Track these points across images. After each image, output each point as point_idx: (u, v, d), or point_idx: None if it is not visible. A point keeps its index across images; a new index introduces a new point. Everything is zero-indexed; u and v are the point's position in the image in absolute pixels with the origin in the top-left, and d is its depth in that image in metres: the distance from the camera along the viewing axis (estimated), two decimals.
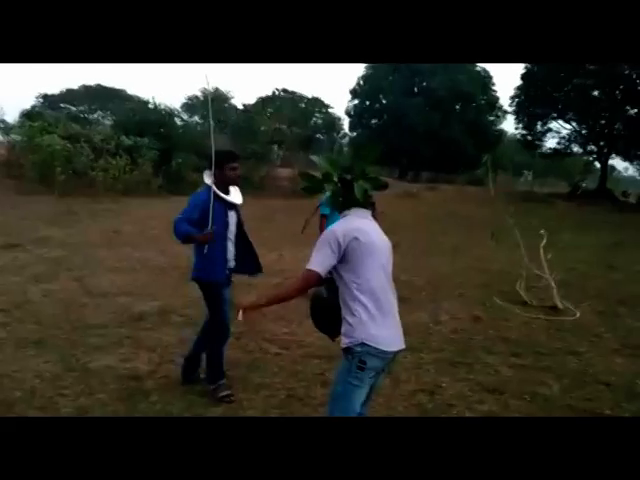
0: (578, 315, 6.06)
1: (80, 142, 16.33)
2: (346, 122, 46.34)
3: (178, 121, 23.62)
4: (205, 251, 3.59)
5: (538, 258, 6.95)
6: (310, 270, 2.39)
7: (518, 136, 36.22)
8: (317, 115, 50.01)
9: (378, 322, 2.41)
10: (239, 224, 3.89)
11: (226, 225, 3.72)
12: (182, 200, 5.23)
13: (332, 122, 49.65)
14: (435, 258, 9.43)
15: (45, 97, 48.90)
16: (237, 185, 3.86)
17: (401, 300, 6.24)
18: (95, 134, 17.43)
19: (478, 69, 38.93)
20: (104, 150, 16.60)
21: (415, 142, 35.29)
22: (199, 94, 52.05)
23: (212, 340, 3.84)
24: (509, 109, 35.88)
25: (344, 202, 2.56)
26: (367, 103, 40.72)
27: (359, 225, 2.47)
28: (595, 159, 35.69)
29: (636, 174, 42.62)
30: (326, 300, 2.61)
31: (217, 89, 52.40)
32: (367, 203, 2.58)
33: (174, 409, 3.51)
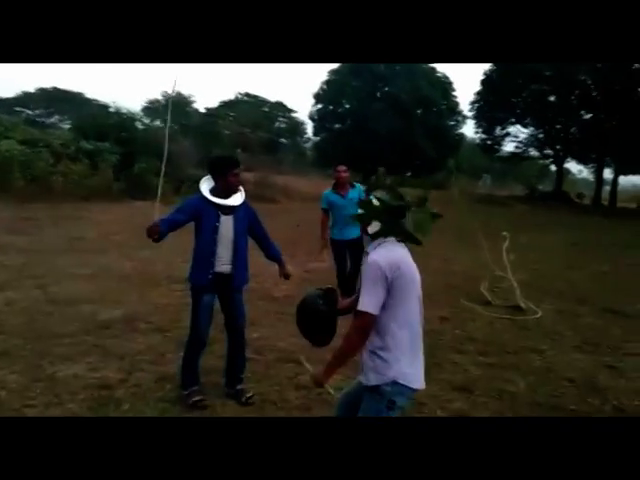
0: (540, 314, 6.28)
1: (39, 147, 15.87)
2: (310, 126, 46.55)
3: (139, 125, 23.17)
4: (193, 254, 3.70)
5: (500, 259, 7.16)
6: (365, 314, 2.24)
7: (477, 140, 37.23)
8: (280, 119, 50.04)
9: (411, 359, 2.33)
10: (239, 228, 3.79)
11: (215, 230, 3.67)
12: (143, 205, 5.19)
13: (295, 126, 49.76)
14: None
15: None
16: (236, 192, 3.80)
17: None
18: (54, 138, 16.97)
19: (439, 74, 39.79)
20: (64, 155, 16.18)
21: (378, 146, 35.73)
22: (160, 98, 51.41)
23: (186, 345, 3.84)
24: (469, 114, 36.85)
25: (389, 230, 2.36)
26: (330, 107, 41.01)
27: (401, 256, 2.33)
28: (551, 162, 36.98)
29: (590, 177, 44.25)
30: (323, 312, 2.60)
31: (179, 93, 51.90)
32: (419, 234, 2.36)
33: None
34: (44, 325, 5.15)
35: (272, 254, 4.18)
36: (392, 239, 2.35)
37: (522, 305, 6.57)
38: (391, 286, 2.24)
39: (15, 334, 4.87)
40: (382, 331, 2.29)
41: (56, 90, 50.35)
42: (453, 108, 40.16)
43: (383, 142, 35.85)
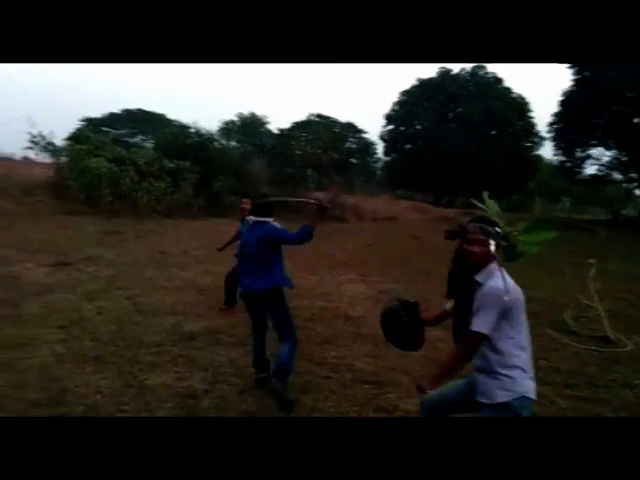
0: (631, 347, 5.91)
1: (125, 165, 16.87)
2: (380, 147, 46.61)
3: (217, 145, 24.15)
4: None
5: (584, 287, 6.83)
6: (478, 333, 2.38)
7: (556, 162, 35.78)
8: (351, 140, 50.36)
9: (530, 374, 2.47)
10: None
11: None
12: (221, 222, 5.51)
13: (366, 147, 49.92)
14: None
15: (89, 120, 50.72)
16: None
17: (447, 326, 6.21)
18: (139, 157, 17.97)
19: (514, 95, 38.84)
20: (148, 173, 17.11)
21: (450, 167, 35.23)
22: (235, 119, 53.30)
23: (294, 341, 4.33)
24: (547, 135, 35.58)
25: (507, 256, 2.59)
26: (402, 128, 40.97)
27: (514, 283, 2.46)
28: (636, 186, 34.92)
29: None
30: (405, 323, 2.87)
31: (253, 114, 53.63)
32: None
33: None
34: (133, 334, 5.44)
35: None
36: (497, 266, 2.47)
37: (611, 336, 6.21)
38: (510, 311, 2.39)
39: (107, 341, 5.17)
40: (506, 352, 2.43)
41: (141, 111, 53.38)
42: (530, 129, 38.99)
43: (455, 163, 35.33)
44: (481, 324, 2.37)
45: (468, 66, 40.43)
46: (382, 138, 43.30)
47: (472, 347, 2.47)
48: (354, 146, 49.98)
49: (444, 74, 40.51)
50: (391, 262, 11.71)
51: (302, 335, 5.73)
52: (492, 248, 2.46)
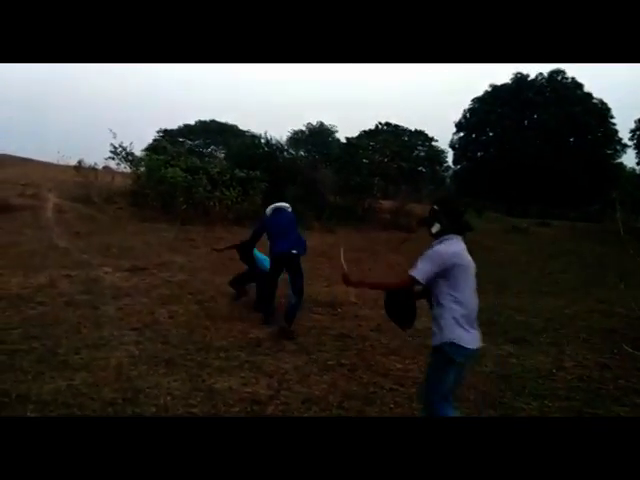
0: None
1: (199, 174, 17.48)
2: (450, 155, 45.74)
3: (286, 154, 24.57)
4: None
5: None
6: (410, 275, 3.04)
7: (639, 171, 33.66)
8: (420, 148, 49.78)
9: (466, 327, 3.02)
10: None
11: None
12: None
13: (435, 155, 49.16)
14: (553, 298, 8.90)
15: (165, 132, 53.19)
16: None
17: (519, 342, 5.98)
18: (212, 167, 18.57)
19: (595, 100, 36.96)
20: (220, 182, 17.64)
21: (525, 176, 33.95)
22: (304, 129, 54.13)
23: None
24: (629, 142, 33.57)
25: (447, 227, 3.16)
26: (473, 136, 40.01)
27: (458, 249, 3.09)
28: None
29: None
30: (400, 303, 3.32)
31: (322, 123, 54.23)
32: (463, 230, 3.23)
33: None
34: (203, 338, 5.60)
35: None
36: (454, 237, 3.14)
37: None
38: (447, 271, 3.00)
39: (178, 345, 5.35)
40: (441, 304, 3.06)
41: (214, 122, 55.39)
42: (611, 136, 36.95)
43: (530, 171, 34.03)
44: (415, 270, 3.03)
45: (545, 71, 38.98)
46: (452, 146, 42.49)
47: (401, 284, 3.23)
48: (423, 154, 49.41)
49: (519, 80, 39.23)
50: None
51: (367, 345, 5.70)
52: (436, 225, 3.17)
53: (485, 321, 6.93)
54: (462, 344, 2.97)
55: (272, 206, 6.55)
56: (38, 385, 4.15)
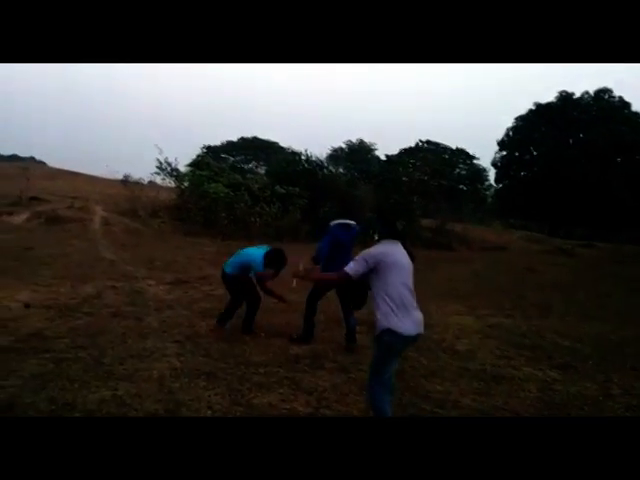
0: None
1: (240, 190, 17.82)
2: (492, 173, 45.09)
3: (325, 171, 24.77)
4: None
5: None
6: (346, 272, 3.54)
7: None
8: (461, 166, 49.30)
9: (400, 316, 3.44)
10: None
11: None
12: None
13: (476, 173, 48.55)
14: (599, 323, 8.58)
15: (208, 148, 54.49)
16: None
17: (564, 368, 5.79)
18: (253, 183, 18.91)
19: None
20: (261, 198, 17.93)
21: (570, 196, 33.08)
22: (343, 146, 54.45)
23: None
24: None
25: (382, 234, 3.72)
26: (516, 154, 39.37)
27: (385, 250, 3.60)
28: None
29: None
30: (354, 288, 3.85)
31: (361, 141, 54.45)
32: (399, 235, 3.76)
33: None
34: (242, 353, 5.65)
35: None
36: (388, 241, 3.69)
37: None
38: (376, 268, 3.52)
39: (219, 358, 5.41)
40: (378, 298, 3.54)
41: (256, 139, 56.41)
42: None
43: (575, 191, 33.12)
44: (349, 268, 3.54)
45: (591, 90, 38.14)
46: (494, 164, 41.89)
47: (337, 279, 3.93)
48: (464, 172, 48.88)
49: (564, 98, 38.51)
50: (502, 294, 11.14)
51: (406, 366, 5.62)
52: (376, 234, 3.74)
53: (529, 345, 6.82)
54: (399, 330, 3.41)
55: (338, 221, 6.37)
56: (83, 394, 4.27)
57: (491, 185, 47.36)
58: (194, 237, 15.91)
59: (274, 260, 6.23)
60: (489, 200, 46.89)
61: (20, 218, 16.43)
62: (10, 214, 16.75)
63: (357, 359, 5.76)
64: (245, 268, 6.26)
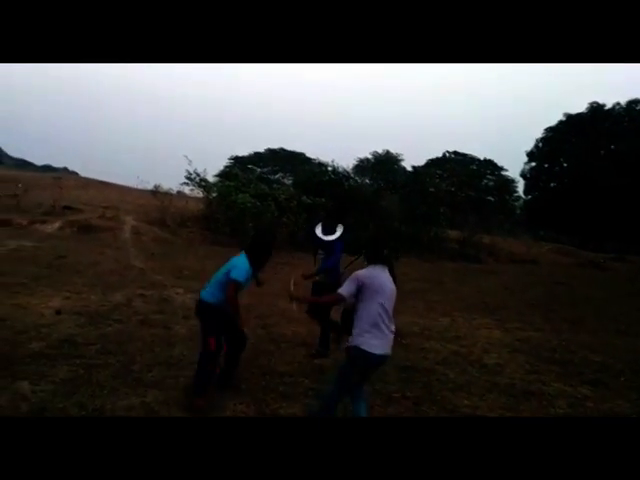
0: None
1: (267, 201, 17.96)
2: (520, 184, 44.47)
3: (351, 182, 24.79)
4: None
5: None
6: (339, 293, 3.85)
7: None
8: (489, 177, 48.76)
9: (374, 335, 3.73)
10: None
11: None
12: (351, 258, 5.75)
13: (505, 184, 47.92)
14: (632, 339, 8.34)
15: (236, 159, 55.11)
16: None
17: (595, 384, 5.65)
18: (280, 193, 19.03)
19: None
20: (287, 208, 18.03)
21: (600, 208, 32.39)
22: (370, 156, 54.41)
23: None
24: None
25: (370, 259, 4.01)
26: (546, 165, 38.78)
27: (372, 273, 3.90)
28: None
29: None
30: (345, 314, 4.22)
31: (387, 152, 54.34)
32: (385, 261, 4.03)
33: None
34: (268, 362, 5.67)
35: None
36: (374, 266, 3.96)
37: None
38: (361, 289, 3.81)
39: (243, 368, 5.43)
40: (356, 315, 3.84)
41: (283, 150, 56.84)
42: None
43: (606, 203, 32.41)
44: (342, 290, 3.85)
45: (622, 101, 37.42)
46: (523, 176, 41.34)
47: (333, 301, 4.32)
48: (492, 183, 48.32)
49: (595, 109, 37.86)
50: (531, 308, 10.94)
51: (433, 380, 5.56)
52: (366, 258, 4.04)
53: (559, 360, 6.67)
54: (366, 348, 3.69)
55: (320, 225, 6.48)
56: (112, 400, 4.34)
57: (520, 196, 46.71)
58: (221, 247, 16.06)
59: (259, 249, 4.80)
60: (518, 212, 46.21)
61: (53, 227, 16.86)
62: (44, 223, 17.19)
63: (382, 371, 5.71)
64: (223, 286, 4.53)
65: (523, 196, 44.76)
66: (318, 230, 6.41)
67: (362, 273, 3.90)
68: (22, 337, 5.80)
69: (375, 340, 3.73)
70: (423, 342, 7.25)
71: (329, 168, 23.82)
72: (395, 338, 6.89)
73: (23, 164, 73.11)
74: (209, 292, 4.58)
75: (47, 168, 69.92)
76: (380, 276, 3.93)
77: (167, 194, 21.32)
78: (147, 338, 6.21)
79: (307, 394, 4.85)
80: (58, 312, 7.00)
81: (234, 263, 4.59)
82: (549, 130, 39.48)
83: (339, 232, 6.33)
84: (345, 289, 3.84)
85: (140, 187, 24.96)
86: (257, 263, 4.74)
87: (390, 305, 3.90)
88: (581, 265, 21.72)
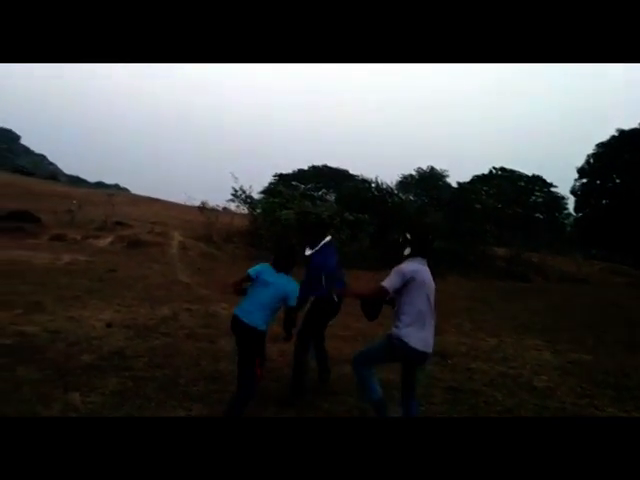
0: None
1: (310, 218, 18.08)
2: (571, 201, 43.14)
3: (395, 198, 24.67)
4: None
5: None
6: (383, 286, 3.90)
7: None
8: (537, 194, 47.53)
9: (417, 329, 3.85)
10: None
11: None
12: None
13: (554, 201, 46.60)
14: None
15: (280, 176, 55.82)
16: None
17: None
18: (323, 210, 19.14)
19: None
20: (330, 225, 18.09)
21: None
22: (414, 173, 54.11)
23: None
24: None
25: (416, 250, 4.07)
26: (597, 182, 37.54)
27: (417, 267, 3.96)
28: None
29: None
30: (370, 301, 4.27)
31: (432, 168, 53.90)
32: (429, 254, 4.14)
33: None
34: (312, 380, 5.64)
35: None
36: (417, 259, 4.04)
37: None
38: (405, 284, 3.87)
39: (288, 384, 5.42)
40: (401, 310, 3.92)
41: (326, 167, 57.22)
42: None
43: None
44: (387, 281, 3.89)
45: None
46: (574, 192, 40.13)
47: (377, 292, 4.02)
48: (540, 200, 47.09)
49: None
50: (583, 329, 10.52)
51: (480, 401, 5.41)
52: (407, 249, 4.07)
53: (613, 384, 6.38)
54: (408, 341, 3.81)
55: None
56: (159, 413, 4.42)
57: (570, 214, 45.30)
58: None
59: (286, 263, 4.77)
60: (568, 229, 44.79)
61: (105, 241, 17.49)
62: (96, 237, 17.87)
63: (429, 392, 5.61)
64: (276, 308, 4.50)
65: (574, 213, 43.40)
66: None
67: (408, 267, 3.93)
68: (74, 349, 6.00)
69: (420, 333, 3.84)
70: (470, 362, 7.08)
71: (372, 184, 23.82)
72: (441, 358, 6.81)
73: (77, 181, 76.49)
74: (260, 318, 4.25)
75: (99, 185, 72.81)
76: (424, 270, 4.00)
77: (214, 210, 21.78)
78: (193, 352, 6.32)
79: (351, 412, 4.82)
80: (109, 325, 7.22)
81: (292, 288, 4.45)
82: (601, 146, 38.28)
83: (321, 244, 5.24)
84: (390, 283, 3.88)
85: (187, 203, 25.62)
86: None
87: (432, 300, 3.98)
88: (634, 285, 20.78)
